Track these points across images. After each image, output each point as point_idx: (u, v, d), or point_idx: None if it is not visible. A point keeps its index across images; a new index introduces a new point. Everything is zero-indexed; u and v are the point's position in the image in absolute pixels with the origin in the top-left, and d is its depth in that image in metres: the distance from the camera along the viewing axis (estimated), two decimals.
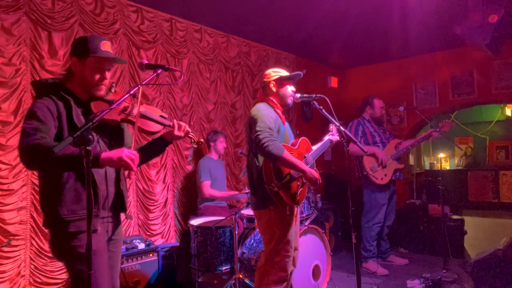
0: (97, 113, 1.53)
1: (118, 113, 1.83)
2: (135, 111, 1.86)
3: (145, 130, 1.91)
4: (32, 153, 1.57)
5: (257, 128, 2.42)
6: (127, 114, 1.86)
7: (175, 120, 2.01)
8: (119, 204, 1.92)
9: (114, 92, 1.91)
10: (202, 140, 2.14)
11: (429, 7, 4.09)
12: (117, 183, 1.92)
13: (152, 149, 2.10)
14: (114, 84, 1.92)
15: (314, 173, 2.53)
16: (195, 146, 2.13)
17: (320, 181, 2.56)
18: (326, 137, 2.97)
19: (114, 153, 1.63)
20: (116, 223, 1.97)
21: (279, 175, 2.45)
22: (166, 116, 2.04)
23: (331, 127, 3.01)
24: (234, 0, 3.96)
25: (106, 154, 1.63)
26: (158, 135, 2.05)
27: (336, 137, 2.98)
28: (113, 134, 1.92)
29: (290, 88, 2.70)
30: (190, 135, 2.07)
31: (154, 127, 1.95)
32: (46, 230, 1.83)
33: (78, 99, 1.82)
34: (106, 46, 1.81)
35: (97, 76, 1.80)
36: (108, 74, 1.85)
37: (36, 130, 1.61)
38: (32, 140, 1.58)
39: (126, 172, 2.00)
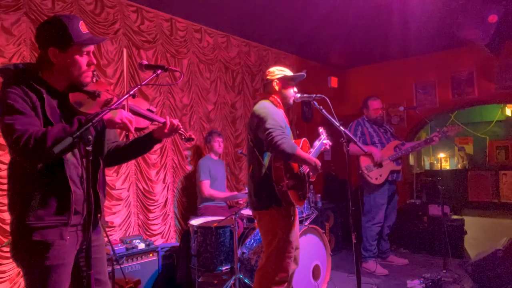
0: (97, 113, 1.48)
1: (101, 106, 1.66)
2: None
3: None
4: (35, 150, 1.42)
5: (268, 126, 2.36)
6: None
7: (167, 118, 1.82)
8: (95, 209, 1.67)
9: (96, 82, 1.73)
10: (193, 136, 1.96)
11: (429, 7, 4.09)
12: (94, 184, 1.70)
13: (138, 146, 1.89)
14: (95, 73, 1.74)
15: (319, 163, 2.55)
16: (185, 142, 1.96)
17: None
18: (318, 142, 2.89)
19: (112, 114, 1.54)
20: (93, 228, 1.73)
21: (289, 175, 2.46)
22: (154, 109, 1.87)
23: (321, 130, 2.97)
24: (234, 0, 3.96)
25: (108, 115, 1.53)
26: (146, 131, 1.88)
27: (328, 142, 2.90)
28: None
29: (292, 88, 2.70)
30: (180, 131, 1.87)
31: (142, 122, 1.76)
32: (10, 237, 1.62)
33: (53, 90, 1.62)
34: (84, 27, 1.63)
35: (86, 63, 1.65)
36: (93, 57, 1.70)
37: (24, 125, 1.45)
38: (26, 137, 1.43)
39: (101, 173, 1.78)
